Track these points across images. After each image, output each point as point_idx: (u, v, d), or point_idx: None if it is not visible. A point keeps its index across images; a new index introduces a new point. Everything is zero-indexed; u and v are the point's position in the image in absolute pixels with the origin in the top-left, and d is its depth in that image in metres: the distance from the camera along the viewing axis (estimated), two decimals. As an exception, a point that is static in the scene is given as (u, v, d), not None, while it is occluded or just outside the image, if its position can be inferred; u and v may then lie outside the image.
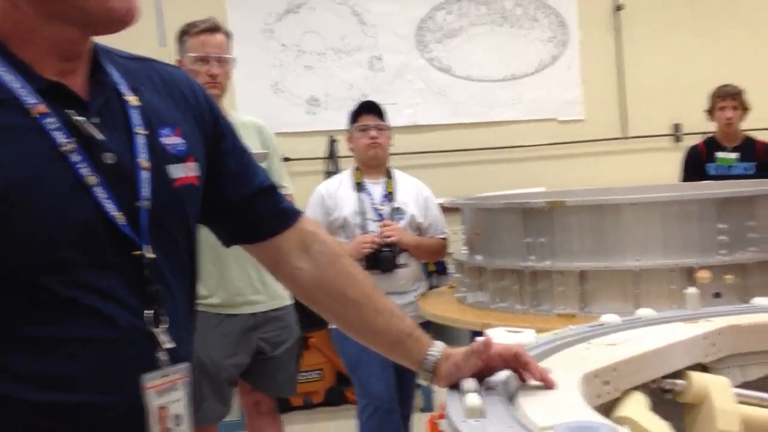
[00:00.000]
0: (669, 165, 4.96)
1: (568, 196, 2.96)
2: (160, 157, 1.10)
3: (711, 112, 4.60)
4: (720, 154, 4.55)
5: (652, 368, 1.42)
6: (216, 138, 1.22)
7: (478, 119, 5.47)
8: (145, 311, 1.05)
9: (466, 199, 3.35)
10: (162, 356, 1.07)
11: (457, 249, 3.31)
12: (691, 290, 1.70)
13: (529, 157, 5.48)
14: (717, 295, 2.51)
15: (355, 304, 1.29)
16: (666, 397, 1.47)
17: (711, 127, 4.71)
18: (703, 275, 2.59)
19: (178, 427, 1.08)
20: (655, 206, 2.64)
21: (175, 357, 1.08)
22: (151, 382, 1.05)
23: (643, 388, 1.41)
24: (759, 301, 1.73)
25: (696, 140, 4.87)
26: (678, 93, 5.55)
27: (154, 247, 1.07)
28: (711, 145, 4.63)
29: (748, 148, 4.56)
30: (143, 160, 1.07)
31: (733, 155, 4.53)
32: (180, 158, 1.12)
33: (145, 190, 1.07)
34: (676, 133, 5.70)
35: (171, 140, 1.12)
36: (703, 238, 2.57)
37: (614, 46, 5.68)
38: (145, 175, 1.07)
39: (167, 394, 1.07)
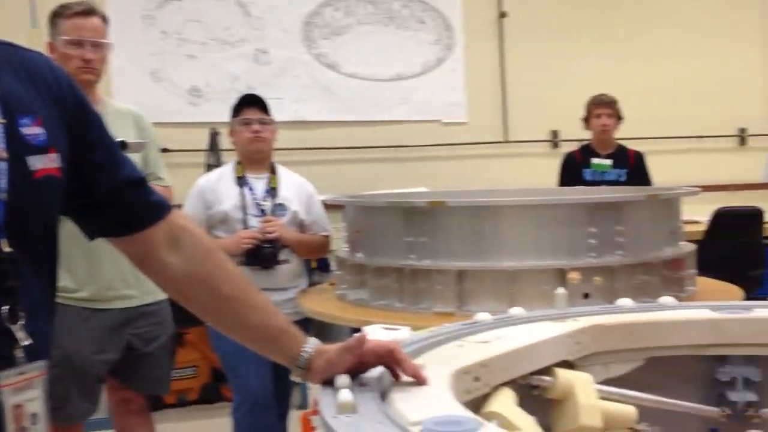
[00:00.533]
0: (547, 169, 5.12)
1: (449, 197, 3.01)
2: (20, 147, 1.04)
3: (587, 119, 4.79)
4: (595, 160, 4.74)
5: (521, 365, 1.46)
6: (80, 128, 1.16)
7: (363, 117, 5.50)
8: (2, 307, 1.00)
9: (348, 197, 3.35)
10: (19, 353, 1.02)
11: (339, 246, 3.31)
12: (560, 291, 1.76)
13: (413, 157, 5.56)
14: (586, 295, 2.61)
15: (229, 300, 1.26)
16: (534, 393, 1.51)
17: (586, 135, 4.90)
18: (573, 277, 2.69)
19: (34, 426, 1.03)
20: (530, 209, 2.72)
21: (33, 354, 1.03)
22: (7, 380, 1.00)
23: (512, 384, 1.45)
24: (623, 301, 1.80)
25: (572, 147, 5.06)
26: (556, 101, 5.75)
27: (11, 241, 1.01)
28: (586, 151, 4.83)
29: (621, 155, 4.78)
30: (0, 150, 1.02)
31: (608, 162, 4.73)
32: (41, 149, 1.07)
33: (3, 182, 1.01)
34: (554, 140, 5.92)
35: (31, 130, 1.06)
36: (573, 241, 2.67)
37: (498, 52, 5.83)
38: (2, 166, 1.02)
39: (23, 392, 1.02)
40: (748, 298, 2.37)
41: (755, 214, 4.94)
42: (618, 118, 4.75)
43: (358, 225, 3.08)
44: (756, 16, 6.37)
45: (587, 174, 4.72)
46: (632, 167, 4.74)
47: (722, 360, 1.70)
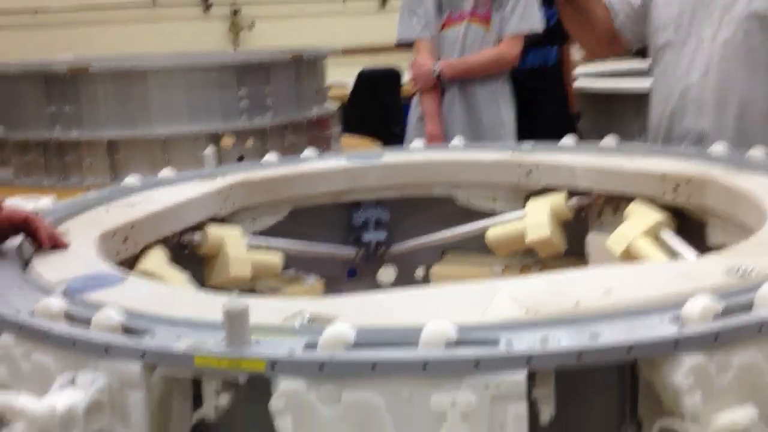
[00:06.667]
0: (199, 34, 5.03)
1: (93, 62, 2.86)
2: None
3: None
4: None
5: (170, 224, 1.49)
6: None
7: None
8: None
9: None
10: None
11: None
12: (208, 151, 1.80)
13: (54, 23, 5.11)
14: (240, 158, 2.69)
15: None
16: (185, 251, 1.56)
17: None
18: (227, 141, 2.76)
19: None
20: (179, 73, 2.69)
21: None
22: None
23: (163, 243, 1.48)
24: (268, 157, 1.88)
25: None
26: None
27: None
28: None
29: None
30: None
31: None
32: None
33: None
34: (206, 2, 5.75)
35: None
36: (225, 103, 2.71)
37: None
38: None
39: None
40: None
41: (395, 75, 5.32)
42: None
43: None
44: None
45: None
46: None
47: (357, 205, 1.88)
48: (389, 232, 1.90)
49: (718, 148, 1.55)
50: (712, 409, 0.73)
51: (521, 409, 0.73)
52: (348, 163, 1.85)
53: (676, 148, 1.69)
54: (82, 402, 0.76)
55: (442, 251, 1.90)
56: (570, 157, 1.70)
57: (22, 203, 1.43)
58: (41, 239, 1.17)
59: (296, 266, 1.80)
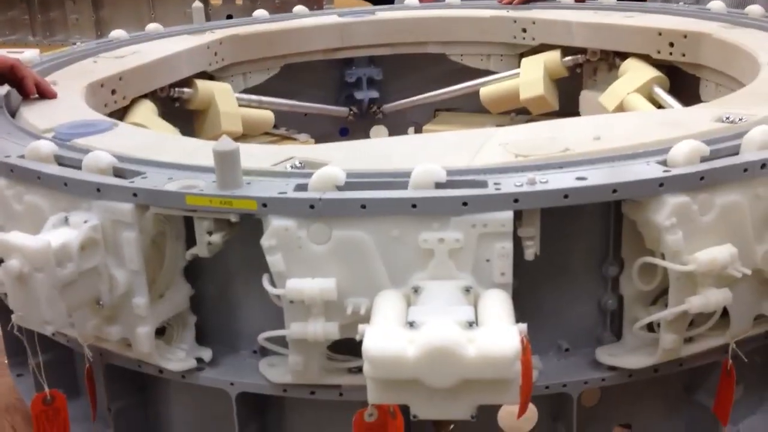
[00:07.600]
0: None
1: None
2: None
3: None
4: None
5: (158, 77, 1.47)
6: None
7: None
8: None
9: None
10: None
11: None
12: (196, 5, 1.76)
13: None
14: (229, 17, 2.63)
15: None
16: (175, 105, 1.55)
17: None
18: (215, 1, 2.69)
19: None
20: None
21: None
22: None
23: (152, 96, 1.46)
24: (258, 12, 1.84)
25: None
26: None
27: None
28: None
29: None
30: None
31: None
32: None
33: None
34: None
35: None
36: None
37: None
38: None
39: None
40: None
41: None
42: None
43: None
44: None
45: None
46: None
47: (349, 63, 1.86)
48: (381, 90, 1.89)
49: (716, 4, 1.52)
50: (693, 247, 0.75)
51: (507, 246, 0.74)
52: (340, 20, 1.81)
53: (673, 6, 1.65)
54: (76, 239, 0.78)
55: (434, 110, 1.89)
56: (567, 13, 1.66)
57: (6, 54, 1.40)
58: (28, 87, 1.16)
59: (288, 124, 1.79)
